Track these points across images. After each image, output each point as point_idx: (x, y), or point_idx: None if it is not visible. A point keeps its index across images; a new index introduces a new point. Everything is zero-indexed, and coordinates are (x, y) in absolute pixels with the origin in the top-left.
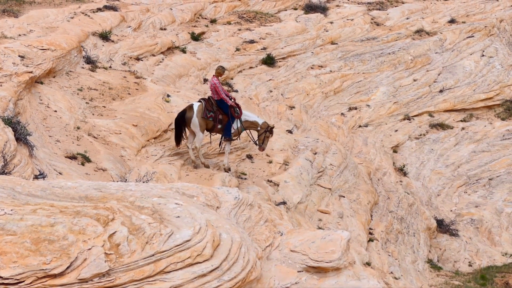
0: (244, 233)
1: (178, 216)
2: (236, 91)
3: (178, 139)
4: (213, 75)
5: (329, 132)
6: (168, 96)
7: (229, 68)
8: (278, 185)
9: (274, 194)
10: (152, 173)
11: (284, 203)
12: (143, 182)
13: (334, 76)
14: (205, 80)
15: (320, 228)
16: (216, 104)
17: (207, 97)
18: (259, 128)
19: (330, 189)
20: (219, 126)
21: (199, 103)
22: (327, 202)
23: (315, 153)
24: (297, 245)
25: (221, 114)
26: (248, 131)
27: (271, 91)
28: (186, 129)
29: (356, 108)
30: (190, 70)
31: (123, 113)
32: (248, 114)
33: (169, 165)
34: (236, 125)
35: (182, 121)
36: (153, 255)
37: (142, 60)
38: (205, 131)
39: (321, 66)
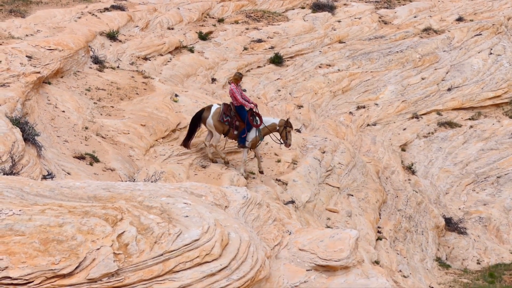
0: (253, 232)
1: (187, 216)
2: (244, 90)
3: (189, 137)
4: (231, 82)
5: (338, 131)
6: (176, 95)
7: (237, 67)
8: (286, 184)
9: (283, 193)
10: (161, 173)
11: (292, 202)
12: (152, 181)
13: (342, 75)
14: (213, 80)
15: (328, 227)
16: (235, 110)
17: (229, 102)
18: (277, 128)
19: (338, 188)
20: (235, 133)
21: (217, 106)
22: (335, 201)
23: (324, 152)
24: (305, 244)
25: (238, 120)
26: (271, 134)
27: (279, 90)
28: (203, 128)
29: (364, 107)
30: (198, 69)
31: (131, 113)
32: (264, 120)
33: (178, 165)
34: (254, 134)
35: (198, 120)
36: (161, 254)
37: (149, 60)
38: (222, 134)
39: (329, 65)
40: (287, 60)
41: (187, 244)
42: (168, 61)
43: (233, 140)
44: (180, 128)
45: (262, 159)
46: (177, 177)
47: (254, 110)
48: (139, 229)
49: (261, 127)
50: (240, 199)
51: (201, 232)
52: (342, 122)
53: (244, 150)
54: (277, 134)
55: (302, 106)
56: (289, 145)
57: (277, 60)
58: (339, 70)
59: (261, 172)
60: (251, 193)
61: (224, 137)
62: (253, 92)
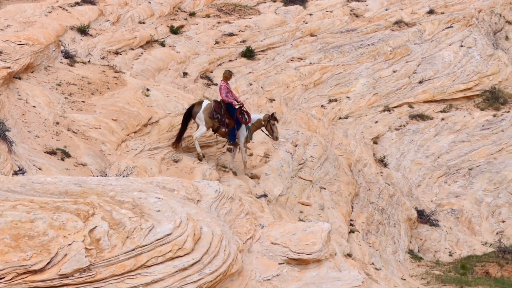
0: (225, 226)
1: (159, 210)
2: (216, 84)
3: (180, 136)
4: (222, 80)
5: (310, 124)
6: (148, 90)
7: (209, 61)
8: (259, 178)
9: (255, 187)
10: (132, 168)
11: (265, 195)
12: (123, 176)
13: (313, 68)
14: (185, 74)
15: (301, 220)
16: (225, 107)
17: (219, 99)
18: (263, 123)
19: (311, 181)
20: (224, 130)
21: (208, 102)
22: (308, 194)
23: (296, 146)
24: (278, 237)
25: (228, 118)
26: (261, 129)
27: (251, 84)
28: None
29: (336, 100)
30: (169, 63)
31: (103, 108)
32: (251, 117)
33: (150, 159)
34: (245, 131)
35: (189, 116)
36: (134, 249)
37: (121, 54)
38: (211, 131)
39: (301, 58)
40: (259, 54)
41: (159, 239)
42: (140, 56)
43: (224, 138)
44: (152, 123)
45: (236, 156)
46: (149, 171)
47: (243, 108)
48: (111, 224)
49: (249, 124)
50: (213, 193)
51: (173, 227)
52: (314, 116)
53: (241, 150)
54: (264, 130)
55: (274, 100)
56: (277, 138)
57: (248, 54)
58: (310, 63)
59: (234, 173)
60: (223, 187)
61: (214, 133)
62: None
